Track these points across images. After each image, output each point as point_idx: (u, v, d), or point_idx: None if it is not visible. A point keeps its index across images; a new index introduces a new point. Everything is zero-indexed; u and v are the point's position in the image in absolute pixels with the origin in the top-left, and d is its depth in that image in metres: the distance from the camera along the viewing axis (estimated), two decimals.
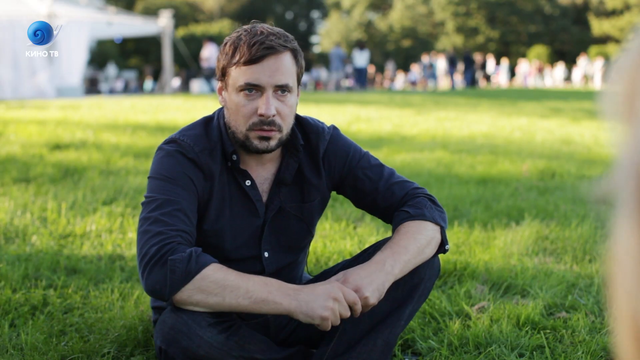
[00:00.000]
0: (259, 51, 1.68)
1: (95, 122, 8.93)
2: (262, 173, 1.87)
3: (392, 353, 1.94)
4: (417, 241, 1.76)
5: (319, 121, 1.96)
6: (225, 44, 1.76)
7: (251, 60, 1.69)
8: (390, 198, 1.90)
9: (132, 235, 3.38)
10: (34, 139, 6.81)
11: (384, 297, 1.78)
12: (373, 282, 1.66)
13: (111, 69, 31.22)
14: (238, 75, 1.72)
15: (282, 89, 1.72)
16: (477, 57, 28.74)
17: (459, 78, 26.78)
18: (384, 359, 1.80)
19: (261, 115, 1.71)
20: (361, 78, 23.66)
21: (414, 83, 27.55)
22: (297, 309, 1.58)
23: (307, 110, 12.20)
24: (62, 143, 6.51)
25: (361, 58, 23.46)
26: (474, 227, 3.62)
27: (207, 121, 1.87)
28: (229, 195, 1.83)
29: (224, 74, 1.77)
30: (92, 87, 24.32)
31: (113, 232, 3.47)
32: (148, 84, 31.37)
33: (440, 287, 2.71)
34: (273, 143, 1.75)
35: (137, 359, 2.04)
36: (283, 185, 1.87)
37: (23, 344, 2.09)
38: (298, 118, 1.91)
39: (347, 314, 1.60)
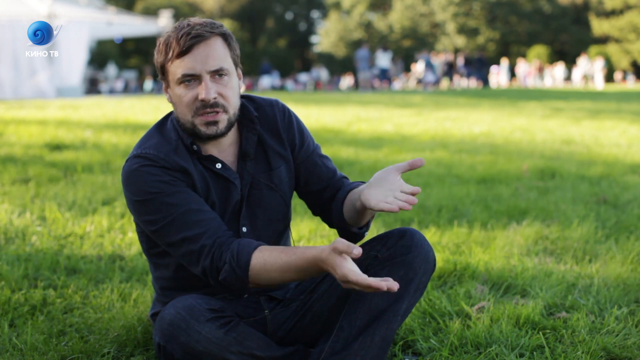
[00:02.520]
0: (187, 41, 1.75)
1: (95, 122, 8.93)
2: (224, 154, 1.90)
3: (389, 349, 1.94)
4: None
5: (267, 97, 2.02)
6: (158, 44, 1.82)
7: (182, 52, 1.76)
8: (339, 187, 1.99)
9: (132, 235, 3.38)
10: (34, 139, 6.81)
11: (380, 292, 1.79)
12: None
13: (111, 69, 31.22)
14: (175, 69, 1.78)
15: (218, 73, 1.79)
16: (449, 57, 29.20)
17: (458, 79, 26.96)
18: (382, 355, 1.80)
19: (202, 100, 1.77)
20: (384, 78, 24.40)
21: (435, 83, 27.42)
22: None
23: (307, 110, 12.19)
24: (62, 143, 6.51)
25: (384, 59, 23.64)
26: (474, 227, 3.61)
27: (159, 126, 1.91)
28: (209, 182, 1.87)
29: (163, 73, 1.82)
30: (92, 87, 24.32)
31: (113, 232, 3.47)
32: (148, 84, 31.37)
33: (440, 287, 2.71)
34: (222, 126, 1.81)
35: (137, 359, 2.04)
36: (248, 158, 1.91)
37: (23, 344, 2.09)
38: (247, 96, 1.98)
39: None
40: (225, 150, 1.90)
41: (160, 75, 1.84)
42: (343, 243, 1.56)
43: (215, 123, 1.79)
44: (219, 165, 1.87)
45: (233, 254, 1.72)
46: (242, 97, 1.93)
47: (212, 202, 1.86)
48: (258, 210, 1.93)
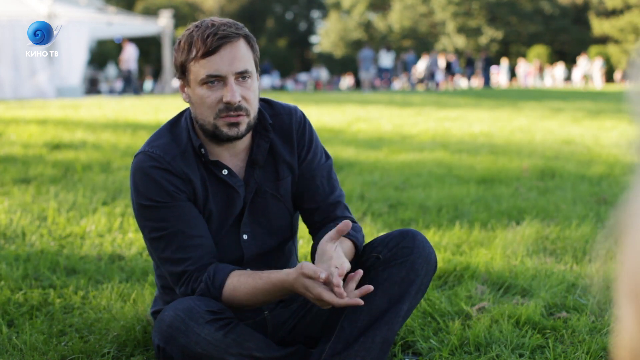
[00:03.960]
0: (214, 42, 1.72)
1: (95, 122, 8.93)
2: (234, 159, 1.88)
3: (390, 350, 1.94)
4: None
5: (286, 103, 1.99)
6: (179, 42, 1.79)
7: (208, 52, 1.73)
8: (327, 214, 1.93)
9: (132, 235, 3.38)
10: (34, 139, 6.80)
11: (381, 293, 1.79)
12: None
13: (111, 69, 31.23)
14: (198, 69, 1.75)
15: (243, 75, 1.76)
16: (449, 57, 29.60)
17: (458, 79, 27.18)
18: (382, 356, 1.79)
19: (227, 102, 1.74)
20: (383, 78, 25.23)
21: (437, 84, 27.49)
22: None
23: (307, 110, 12.17)
24: (62, 143, 6.50)
25: (387, 59, 23.95)
26: (474, 227, 3.61)
27: (172, 125, 1.89)
28: (211, 188, 1.85)
29: (183, 71, 1.79)
30: (92, 87, 24.32)
31: (113, 232, 3.47)
32: (148, 84, 31.37)
33: (441, 288, 2.71)
34: (242, 128, 1.79)
35: (137, 359, 2.04)
36: (257, 166, 1.89)
37: (23, 344, 2.09)
38: (267, 100, 1.95)
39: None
40: (237, 154, 1.88)
41: (180, 73, 1.81)
42: (309, 268, 1.59)
43: (237, 125, 1.77)
44: (225, 172, 1.85)
45: (210, 274, 1.76)
46: (261, 100, 1.89)
47: (210, 211, 1.85)
48: (261, 219, 1.91)
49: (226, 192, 1.87)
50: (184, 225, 1.78)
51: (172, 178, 1.79)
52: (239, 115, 1.76)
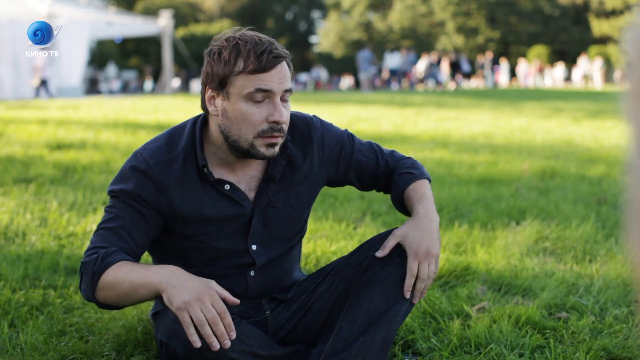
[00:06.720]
0: (269, 61, 1.69)
1: (95, 122, 8.94)
2: (248, 172, 1.86)
3: (390, 350, 1.94)
4: (430, 193, 2.03)
5: (300, 112, 1.98)
6: (219, 53, 1.73)
7: (262, 69, 1.69)
8: (387, 168, 2.04)
9: None
10: (34, 139, 6.81)
11: (380, 292, 1.79)
12: (433, 236, 1.83)
13: (111, 69, 31.26)
14: (245, 82, 1.70)
15: (288, 92, 1.76)
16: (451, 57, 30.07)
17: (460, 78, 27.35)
18: (382, 356, 1.80)
19: (275, 122, 1.71)
20: (396, 76, 26.03)
21: (439, 83, 27.55)
22: (164, 290, 1.59)
23: (307, 110, 12.17)
24: (62, 143, 6.51)
25: (392, 60, 24.15)
26: (474, 227, 3.61)
27: (174, 130, 1.86)
28: (212, 199, 1.82)
29: (222, 84, 1.73)
30: (92, 87, 24.35)
31: None
32: (148, 84, 31.40)
33: (441, 288, 2.71)
34: (277, 149, 1.77)
35: (137, 359, 2.04)
36: (272, 182, 1.87)
37: (23, 344, 2.09)
38: None
39: (213, 318, 1.56)
40: (250, 164, 1.85)
41: (216, 85, 1.73)
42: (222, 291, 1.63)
43: (274, 145, 1.75)
44: (227, 187, 1.82)
45: (107, 252, 1.70)
46: None
47: (209, 216, 1.82)
48: (272, 229, 1.90)
49: (230, 202, 1.84)
50: (133, 226, 1.76)
51: (146, 181, 1.77)
52: (278, 137, 1.74)
